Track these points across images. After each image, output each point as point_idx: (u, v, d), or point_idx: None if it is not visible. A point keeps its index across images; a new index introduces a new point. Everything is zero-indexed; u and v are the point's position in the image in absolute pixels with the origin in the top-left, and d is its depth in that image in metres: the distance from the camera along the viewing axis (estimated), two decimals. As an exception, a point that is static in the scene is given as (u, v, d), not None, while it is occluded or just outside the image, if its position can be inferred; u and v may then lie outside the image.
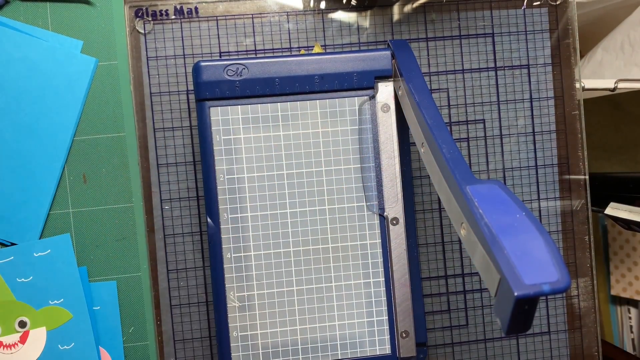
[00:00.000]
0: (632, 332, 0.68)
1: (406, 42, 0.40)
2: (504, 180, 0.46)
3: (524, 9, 0.46)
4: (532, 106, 0.46)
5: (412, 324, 0.39)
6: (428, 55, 0.45)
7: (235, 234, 0.38)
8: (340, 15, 0.45)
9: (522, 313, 0.23)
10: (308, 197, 0.39)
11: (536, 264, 0.23)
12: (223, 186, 0.38)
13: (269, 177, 0.39)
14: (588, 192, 0.46)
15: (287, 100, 0.39)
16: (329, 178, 0.39)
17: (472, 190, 0.27)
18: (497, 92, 0.46)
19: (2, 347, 0.41)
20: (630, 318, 0.68)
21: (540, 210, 0.46)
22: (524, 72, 0.46)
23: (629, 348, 0.68)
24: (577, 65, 0.46)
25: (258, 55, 0.44)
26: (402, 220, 0.39)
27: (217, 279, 0.38)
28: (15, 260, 0.42)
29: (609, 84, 0.50)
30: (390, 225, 0.39)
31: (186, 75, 0.43)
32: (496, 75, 0.46)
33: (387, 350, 0.39)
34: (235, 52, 0.44)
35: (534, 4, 0.46)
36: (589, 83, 0.49)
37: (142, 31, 0.43)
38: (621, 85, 0.50)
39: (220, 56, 0.44)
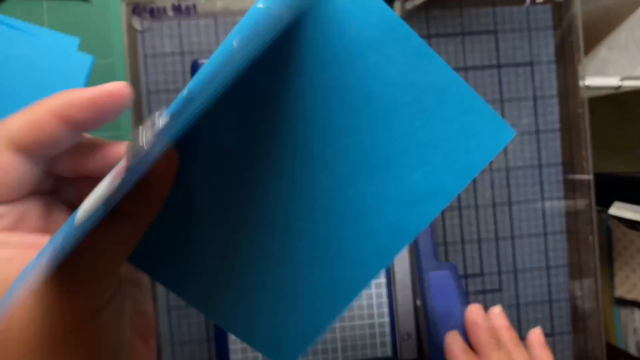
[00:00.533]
0: (636, 334, 0.67)
1: None
2: (507, 179, 0.46)
3: (528, 6, 0.45)
4: (535, 104, 0.46)
5: (414, 326, 0.38)
6: (430, 52, 0.45)
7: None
8: (340, 12, 0.44)
9: None
10: None
11: None
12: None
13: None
14: (592, 191, 0.46)
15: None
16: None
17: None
18: (501, 90, 0.45)
19: None
20: (634, 320, 0.67)
21: (544, 210, 0.46)
22: (528, 70, 0.46)
23: (633, 350, 0.67)
24: (581, 63, 0.46)
25: (257, 53, 0.43)
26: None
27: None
28: None
29: (614, 82, 0.50)
30: (391, 225, 0.38)
31: (184, 73, 0.43)
32: (499, 73, 0.45)
33: (388, 352, 0.38)
34: (234, 49, 0.43)
35: (538, 1, 0.45)
36: (593, 81, 0.48)
37: (140, 28, 0.43)
38: (626, 83, 0.49)
39: (219, 54, 0.43)
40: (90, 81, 0.43)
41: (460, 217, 0.45)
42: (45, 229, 0.20)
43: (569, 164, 0.46)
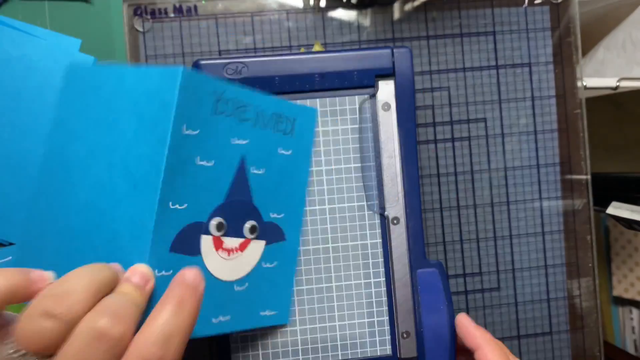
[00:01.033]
0: (634, 332, 0.67)
1: (409, 50, 0.39)
2: (506, 179, 0.46)
3: (526, 7, 0.46)
4: (533, 105, 0.46)
5: (413, 324, 0.38)
6: (429, 53, 0.45)
7: (235, 234, 0.38)
8: (340, 14, 0.44)
9: None
10: (308, 197, 0.38)
11: None
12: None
13: (268, 176, 0.39)
14: (590, 191, 0.46)
15: (287, 99, 0.38)
16: (329, 177, 0.39)
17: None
18: (499, 91, 0.46)
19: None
20: (632, 319, 0.67)
21: (542, 210, 0.46)
22: (526, 70, 0.46)
23: (630, 349, 0.68)
24: (578, 63, 0.46)
25: (258, 54, 0.44)
26: (403, 220, 0.39)
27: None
28: (13, 260, 0.42)
29: (611, 82, 0.50)
30: (391, 225, 0.39)
31: (185, 74, 0.43)
32: (497, 73, 0.46)
33: (387, 350, 0.39)
34: (235, 50, 0.44)
35: (536, 2, 0.46)
36: (590, 82, 0.49)
37: (141, 30, 0.43)
38: (623, 84, 0.50)
39: (219, 55, 0.43)
40: (92, 82, 0.43)
41: (459, 216, 0.46)
42: None
43: (567, 164, 0.46)
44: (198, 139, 0.31)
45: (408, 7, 0.45)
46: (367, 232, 0.39)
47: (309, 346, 0.38)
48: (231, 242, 0.34)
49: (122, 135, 0.31)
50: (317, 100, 0.38)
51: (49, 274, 0.26)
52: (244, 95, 0.34)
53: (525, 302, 0.46)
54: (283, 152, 0.36)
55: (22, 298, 0.25)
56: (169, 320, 0.25)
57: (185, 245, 0.31)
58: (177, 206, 0.31)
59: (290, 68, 0.38)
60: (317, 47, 0.44)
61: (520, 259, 0.46)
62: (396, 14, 0.45)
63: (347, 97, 0.39)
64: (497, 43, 0.46)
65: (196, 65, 0.38)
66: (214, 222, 0.33)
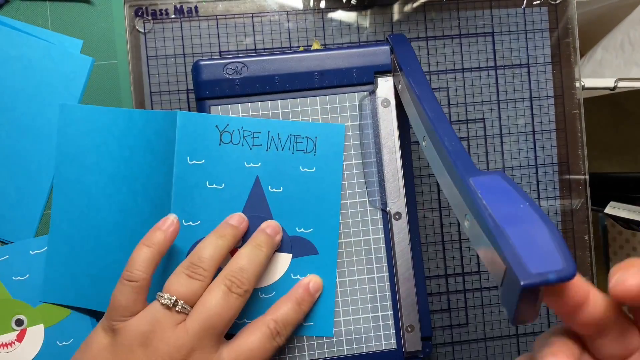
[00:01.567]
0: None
1: (404, 36, 0.40)
2: (504, 179, 0.46)
3: (524, 8, 0.46)
4: (532, 105, 0.46)
5: (417, 318, 0.39)
6: (428, 54, 0.45)
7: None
8: (340, 15, 0.45)
9: (528, 302, 0.22)
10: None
11: (541, 252, 0.23)
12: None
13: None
14: (588, 191, 0.46)
15: (287, 98, 0.39)
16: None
17: (475, 182, 0.27)
18: (497, 91, 0.46)
19: None
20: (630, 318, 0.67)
21: (540, 210, 0.46)
22: (524, 71, 0.46)
23: (629, 348, 0.68)
24: (577, 64, 0.46)
25: (257, 53, 0.44)
26: (404, 215, 0.39)
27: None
28: (10, 259, 0.42)
29: (609, 83, 0.50)
30: (393, 220, 0.39)
31: (186, 75, 0.43)
32: (496, 74, 0.46)
33: (392, 344, 0.39)
34: (235, 51, 0.44)
35: (534, 3, 0.46)
36: (588, 82, 0.49)
37: (142, 30, 0.43)
38: (621, 84, 0.50)
39: (220, 55, 0.44)
40: (92, 82, 0.43)
41: (458, 216, 0.46)
42: None
43: (565, 164, 0.47)
44: (205, 166, 0.37)
45: (407, 8, 0.45)
46: (370, 227, 0.39)
47: (315, 342, 0.38)
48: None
49: (140, 167, 0.39)
50: (317, 98, 0.39)
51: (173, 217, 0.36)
52: (252, 124, 0.37)
53: (523, 301, 0.46)
54: (306, 169, 0.38)
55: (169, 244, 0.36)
56: (288, 312, 0.36)
57: None
58: (190, 223, 0.37)
59: (289, 67, 0.39)
60: (315, 46, 0.44)
61: (519, 258, 0.46)
62: (395, 15, 0.45)
63: (346, 95, 0.39)
64: (496, 44, 0.46)
65: (196, 66, 0.38)
66: None
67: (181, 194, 0.37)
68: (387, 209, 0.39)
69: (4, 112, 0.42)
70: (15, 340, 0.42)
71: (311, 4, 0.44)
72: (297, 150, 0.38)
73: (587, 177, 0.46)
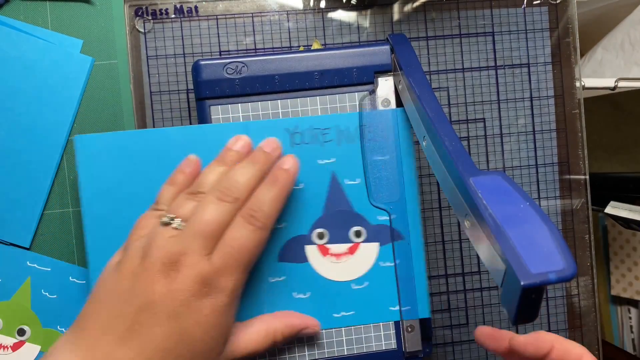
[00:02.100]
0: (632, 332, 0.68)
1: (405, 36, 0.40)
2: (504, 179, 0.46)
3: (524, 7, 0.46)
4: (532, 105, 0.46)
5: (417, 318, 0.39)
6: (428, 54, 0.45)
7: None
8: (340, 15, 0.45)
9: (529, 302, 0.23)
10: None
11: (542, 252, 0.23)
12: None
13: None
14: (588, 191, 0.46)
15: (287, 97, 0.39)
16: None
17: (476, 182, 0.27)
18: (497, 91, 0.46)
19: None
20: (630, 318, 0.67)
21: (540, 209, 0.46)
22: (524, 71, 0.46)
23: (629, 348, 0.68)
24: (577, 64, 0.46)
25: (257, 53, 0.44)
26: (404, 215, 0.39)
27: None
28: (50, 274, 0.42)
29: (609, 82, 0.50)
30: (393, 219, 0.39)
31: (186, 74, 0.43)
32: (496, 74, 0.46)
33: (392, 344, 0.39)
34: (235, 51, 0.44)
35: (534, 2, 0.46)
36: (589, 82, 0.49)
37: (142, 30, 0.43)
38: (621, 84, 0.50)
39: (220, 55, 0.44)
40: (92, 82, 0.43)
41: (458, 216, 0.46)
42: None
43: (565, 164, 0.47)
44: None
45: (407, 7, 0.45)
46: None
47: (315, 342, 0.38)
48: (337, 248, 0.38)
49: None
50: (317, 97, 0.39)
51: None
52: (320, 121, 0.38)
53: (523, 301, 0.46)
54: (379, 158, 0.38)
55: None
56: (258, 195, 0.34)
57: (292, 255, 0.38)
58: (275, 226, 0.37)
59: (289, 66, 0.39)
60: (315, 46, 0.44)
61: (519, 258, 0.46)
62: (396, 15, 0.45)
63: (346, 94, 0.39)
64: (496, 43, 0.46)
65: (196, 66, 0.38)
66: (315, 233, 0.38)
67: None
68: (387, 208, 0.39)
69: (4, 112, 0.42)
70: (10, 347, 0.41)
71: (311, 3, 0.44)
72: (369, 140, 0.38)
73: (587, 177, 0.46)
